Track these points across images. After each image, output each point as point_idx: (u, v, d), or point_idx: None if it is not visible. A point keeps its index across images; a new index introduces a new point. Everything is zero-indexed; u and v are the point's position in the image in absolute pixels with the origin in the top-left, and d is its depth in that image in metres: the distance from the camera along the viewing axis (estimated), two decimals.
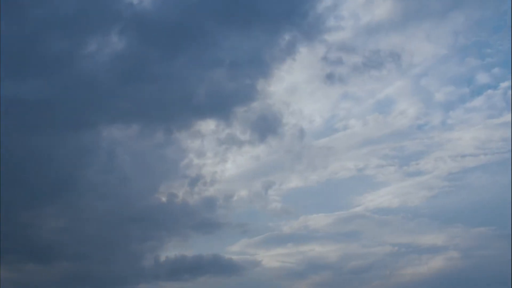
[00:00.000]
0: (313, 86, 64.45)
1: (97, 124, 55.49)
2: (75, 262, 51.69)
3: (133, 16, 57.41)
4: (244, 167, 62.02)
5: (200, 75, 58.62)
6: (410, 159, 63.34)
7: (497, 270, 49.99)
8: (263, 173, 62.03)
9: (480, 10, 65.97)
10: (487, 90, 65.41)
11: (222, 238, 56.77)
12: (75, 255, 51.67)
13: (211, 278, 53.52)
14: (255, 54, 59.78)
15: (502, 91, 64.61)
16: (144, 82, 57.20)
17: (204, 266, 53.44)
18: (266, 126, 60.12)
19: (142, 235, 54.55)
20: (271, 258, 57.30)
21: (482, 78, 66.47)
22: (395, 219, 59.96)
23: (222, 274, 53.70)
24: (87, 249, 51.81)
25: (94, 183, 53.39)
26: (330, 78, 61.99)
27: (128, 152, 56.94)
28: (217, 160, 59.54)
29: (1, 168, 47.91)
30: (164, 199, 56.13)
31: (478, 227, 56.76)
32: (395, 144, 64.02)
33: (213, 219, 56.48)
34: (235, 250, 57.79)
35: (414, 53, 65.18)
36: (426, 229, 58.75)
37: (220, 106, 59.17)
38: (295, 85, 63.48)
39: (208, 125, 59.41)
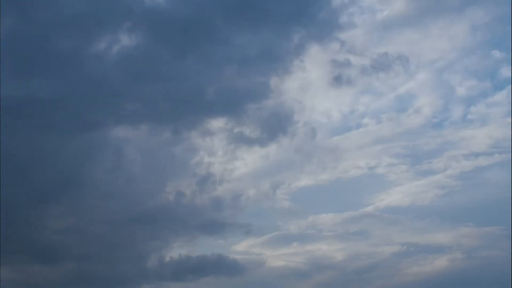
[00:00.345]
0: (327, 83, 62.86)
1: (105, 124, 55.48)
2: (79, 262, 51.84)
3: (144, 13, 57.34)
4: (254, 165, 61.59)
5: (211, 72, 58.36)
6: (422, 157, 62.69)
7: (505, 270, 48.69)
8: (273, 172, 61.73)
9: (499, 6, 64.29)
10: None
11: (228, 238, 56.80)
12: (80, 256, 51.82)
13: (214, 278, 53.44)
14: (267, 50, 59.38)
15: None
16: (154, 80, 57.16)
17: (208, 266, 53.23)
18: (277, 125, 59.66)
19: (147, 235, 54.56)
20: (276, 258, 57.12)
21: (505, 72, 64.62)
22: (405, 218, 59.31)
23: (226, 274, 53.52)
24: (92, 249, 51.95)
25: (100, 183, 53.52)
26: (339, 78, 61.16)
27: (136, 151, 56.94)
28: (226, 158, 59.30)
29: (4, 168, 48.58)
30: (171, 198, 55.93)
31: (489, 226, 55.95)
32: (408, 142, 63.37)
33: (220, 219, 56.19)
34: (241, 250, 57.79)
35: (432, 48, 64.95)
36: (436, 228, 58.06)
37: (230, 104, 58.86)
38: (308, 82, 62.19)
39: (218, 123, 59.08)
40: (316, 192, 61.59)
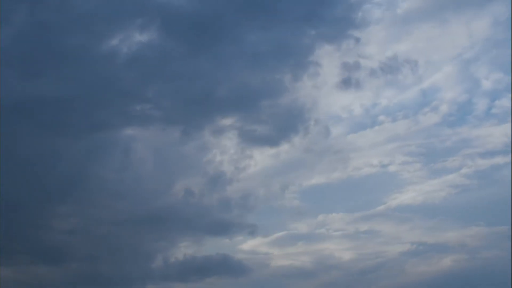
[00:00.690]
0: (341, 81, 61.07)
1: (115, 123, 55.54)
2: (85, 263, 52.19)
3: (156, 10, 56.98)
4: (265, 164, 61.04)
5: (222, 70, 57.94)
6: (436, 156, 61.68)
7: None
8: (284, 170, 61.23)
9: None
10: None
11: (235, 238, 56.59)
12: (85, 256, 52.24)
13: (218, 279, 53.24)
14: (281, 47, 58.77)
15: None
16: (165, 79, 57.00)
17: (213, 267, 53.01)
18: (289, 123, 59.20)
19: (154, 236, 54.72)
20: (283, 258, 56.75)
21: None
22: (416, 217, 58.39)
23: (230, 275, 53.27)
24: (98, 250, 52.34)
25: (109, 183, 53.68)
26: (354, 77, 60.09)
27: (145, 150, 57.04)
28: (237, 157, 58.82)
29: (12, 168, 49.35)
30: (179, 198, 55.87)
31: (500, 225, 54.43)
32: (423, 140, 62.36)
33: (228, 218, 55.84)
34: (247, 250, 57.41)
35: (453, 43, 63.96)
36: (448, 227, 57.03)
37: (242, 102, 58.60)
38: (323, 80, 60.69)
39: (230, 122, 58.51)
40: (327, 190, 61.31)
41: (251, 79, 58.38)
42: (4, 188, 48.29)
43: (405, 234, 57.17)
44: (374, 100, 64.43)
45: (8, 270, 49.12)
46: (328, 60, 59.70)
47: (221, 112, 58.27)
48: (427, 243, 55.70)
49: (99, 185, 53.81)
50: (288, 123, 59.21)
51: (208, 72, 57.32)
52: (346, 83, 59.88)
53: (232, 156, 58.76)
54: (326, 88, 60.93)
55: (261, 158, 60.21)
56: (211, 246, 55.93)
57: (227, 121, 58.17)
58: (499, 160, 59.49)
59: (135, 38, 56.74)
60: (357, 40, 58.98)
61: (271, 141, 59.01)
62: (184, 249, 54.83)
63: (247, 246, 57.27)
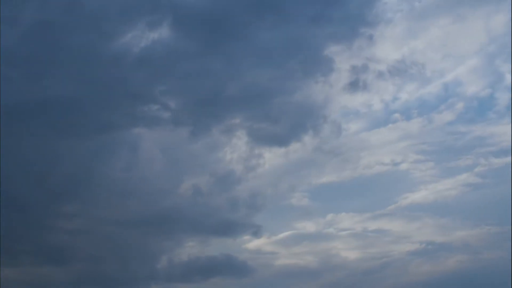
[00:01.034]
0: (354, 79, 59.92)
1: (123, 122, 55.47)
2: (89, 263, 52.28)
3: (166, 8, 56.73)
4: (275, 163, 60.60)
5: (233, 69, 57.61)
6: (449, 154, 60.75)
7: None
8: (294, 169, 60.75)
9: None
10: None
11: (243, 237, 56.25)
12: (89, 257, 52.38)
13: (222, 279, 53.04)
14: (292, 45, 58.31)
15: None
16: (175, 77, 56.83)
17: (217, 267, 52.85)
18: (300, 122, 58.77)
19: (160, 236, 54.66)
20: (288, 258, 56.43)
21: None
22: (427, 215, 57.59)
23: (234, 275, 53.00)
24: (102, 250, 52.52)
25: (115, 183, 53.84)
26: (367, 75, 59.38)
27: (154, 149, 57.09)
28: (246, 156, 58.53)
29: (19, 169, 50.09)
30: (187, 197, 55.75)
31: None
32: (436, 139, 61.50)
33: (235, 218, 55.57)
34: (253, 249, 56.97)
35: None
36: (458, 226, 56.30)
37: (252, 101, 58.22)
38: (336, 78, 59.61)
39: (239, 121, 58.35)
40: (337, 189, 60.77)
41: (261, 78, 58.04)
42: (9, 189, 48.75)
43: (415, 233, 56.69)
44: (395, 95, 63.74)
45: (12, 271, 49.72)
46: (341, 57, 59.05)
47: (230, 110, 58.13)
48: (434, 243, 55.10)
49: (105, 185, 53.96)
50: (299, 122, 58.84)
51: (218, 71, 57.25)
52: (356, 82, 59.23)
53: (242, 155, 58.62)
54: (338, 86, 59.91)
55: (271, 157, 59.94)
56: (217, 246, 55.86)
57: (237, 120, 58.12)
58: None
59: (146, 36, 56.77)
60: (370, 37, 58.63)
61: (281, 139, 58.60)
62: (190, 250, 54.92)
63: (253, 245, 57.00)
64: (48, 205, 51.87)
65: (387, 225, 57.19)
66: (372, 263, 54.60)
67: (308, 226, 58.63)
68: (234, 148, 58.70)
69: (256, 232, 55.17)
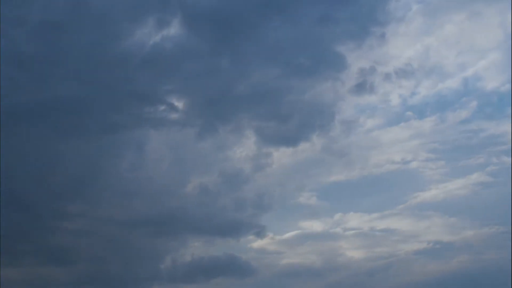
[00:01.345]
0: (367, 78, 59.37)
1: (130, 121, 55.26)
2: (92, 263, 52.10)
3: (176, 7, 56.59)
4: (283, 162, 60.13)
5: (242, 68, 57.37)
6: (461, 153, 59.82)
7: None
8: (302, 168, 60.39)
9: None
10: None
11: (246, 237, 55.75)
12: (93, 257, 52.17)
13: (225, 280, 52.64)
14: (301, 44, 57.98)
15: None
16: (184, 76, 56.81)
17: (220, 267, 52.51)
18: (310, 121, 58.26)
19: (165, 236, 54.47)
20: (292, 257, 56.01)
21: None
22: (436, 215, 56.80)
23: (237, 275, 52.62)
24: (106, 250, 52.39)
25: (121, 183, 53.76)
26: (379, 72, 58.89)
27: (162, 150, 56.96)
28: (254, 156, 58.14)
29: (25, 170, 50.58)
30: (192, 198, 55.55)
31: None
32: (446, 138, 60.61)
33: (241, 218, 55.26)
34: (258, 249, 56.55)
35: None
36: (467, 226, 55.47)
37: (261, 100, 57.91)
38: (347, 77, 59.03)
39: (247, 120, 58.04)
40: (346, 188, 60.17)
41: (270, 77, 57.66)
42: (13, 189, 49.11)
43: (423, 232, 55.93)
44: (413, 90, 63.15)
45: (15, 271, 49.86)
46: (352, 56, 58.57)
47: (238, 110, 57.82)
48: (443, 242, 54.33)
49: (110, 185, 54.07)
50: (308, 121, 58.28)
51: (226, 70, 57.05)
52: (364, 84, 58.72)
53: (250, 154, 58.26)
54: (348, 85, 59.25)
55: (280, 156, 59.45)
56: (221, 246, 55.43)
57: (245, 119, 57.76)
58: None
59: (154, 35, 56.56)
60: (383, 35, 58.13)
61: (289, 139, 58.10)
62: (194, 250, 54.65)
63: (258, 245, 56.55)
64: (51, 205, 52.01)
65: (395, 224, 56.57)
66: (378, 262, 54.04)
67: (316, 226, 58.28)
68: (243, 148, 58.53)
69: (260, 233, 54.92)
